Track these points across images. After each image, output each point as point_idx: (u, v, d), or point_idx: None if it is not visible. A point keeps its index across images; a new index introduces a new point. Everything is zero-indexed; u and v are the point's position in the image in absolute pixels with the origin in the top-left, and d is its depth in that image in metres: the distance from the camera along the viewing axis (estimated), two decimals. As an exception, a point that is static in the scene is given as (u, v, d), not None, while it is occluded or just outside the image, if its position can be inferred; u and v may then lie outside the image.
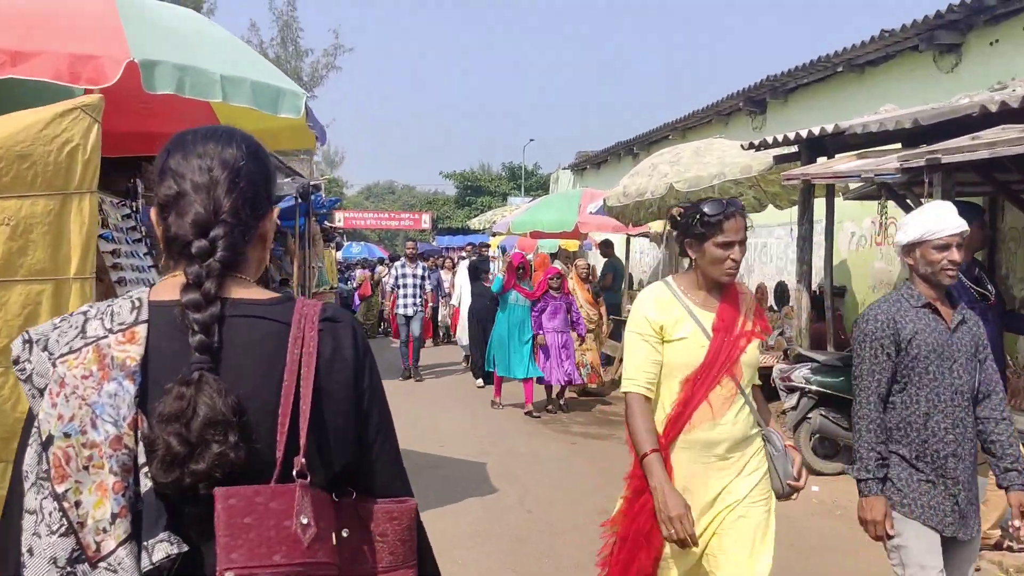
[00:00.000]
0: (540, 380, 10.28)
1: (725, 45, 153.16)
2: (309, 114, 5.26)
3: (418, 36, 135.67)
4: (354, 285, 22.01)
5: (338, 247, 21.80)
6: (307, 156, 49.57)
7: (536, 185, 45.94)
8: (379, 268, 21.43)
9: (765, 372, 9.41)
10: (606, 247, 14.37)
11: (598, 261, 16.99)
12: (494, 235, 20.28)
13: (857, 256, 10.31)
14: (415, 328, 13.30)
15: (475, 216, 46.86)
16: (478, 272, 12.98)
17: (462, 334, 13.97)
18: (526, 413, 10.14)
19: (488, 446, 8.51)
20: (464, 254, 18.50)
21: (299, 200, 11.20)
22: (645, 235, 13.42)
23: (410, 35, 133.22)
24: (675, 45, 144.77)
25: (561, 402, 10.53)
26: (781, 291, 11.23)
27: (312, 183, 11.93)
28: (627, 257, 14.04)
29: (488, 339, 11.38)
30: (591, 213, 11.44)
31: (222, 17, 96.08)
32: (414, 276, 13.43)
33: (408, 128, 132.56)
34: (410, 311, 13.35)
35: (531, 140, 54.14)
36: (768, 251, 12.26)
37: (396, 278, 13.48)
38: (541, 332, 10.11)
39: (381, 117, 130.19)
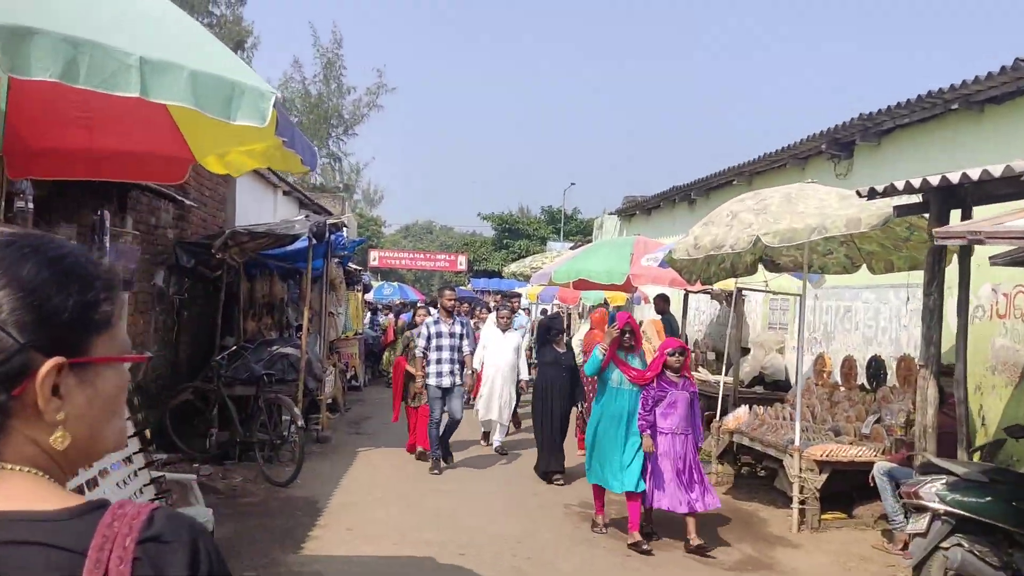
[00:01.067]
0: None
1: (799, 80, 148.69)
2: (282, 125, 3.62)
3: (461, 76, 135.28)
4: (380, 331, 20.43)
5: (366, 289, 20.21)
6: (346, 194, 48.66)
7: (575, 230, 44.35)
8: (402, 318, 19.76)
9: (864, 468, 7.62)
10: (663, 302, 12.62)
11: (645, 315, 15.24)
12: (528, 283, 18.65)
13: (972, 331, 8.46)
14: (455, 407, 9.81)
15: (512, 260, 45.67)
16: (550, 333, 10.06)
17: (486, 403, 11.15)
18: (631, 545, 7.03)
19: (523, 561, 6.72)
20: (493, 303, 16.75)
21: (313, 240, 9.59)
22: (706, 291, 11.67)
23: (453, 75, 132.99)
24: (738, 81, 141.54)
25: (693, 542, 7.03)
26: (876, 367, 9.40)
27: (330, 222, 10.36)
28: (684, 315, 12.26)
29: (552, 424, 9.54)
30: (652, 264, 9.71)
31: (265, 52, 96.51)
32: (451, 336, 9.96)
33: (448, 168, 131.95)
34: (446, 381, 9.82)
35: (572, 184, 52.51)
36: (852, 317, 10.44)
37: (429, 338, 9.88)
38: (648, 432, 7.10)
39: (421, 156, 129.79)
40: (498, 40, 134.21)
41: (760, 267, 9.19)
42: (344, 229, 11.10)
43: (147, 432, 5.57)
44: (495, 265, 44.09)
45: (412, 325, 11.25)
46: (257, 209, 13.67)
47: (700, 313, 14.24)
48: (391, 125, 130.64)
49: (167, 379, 10.36)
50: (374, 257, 43.97)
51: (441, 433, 9.90)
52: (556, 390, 9.65)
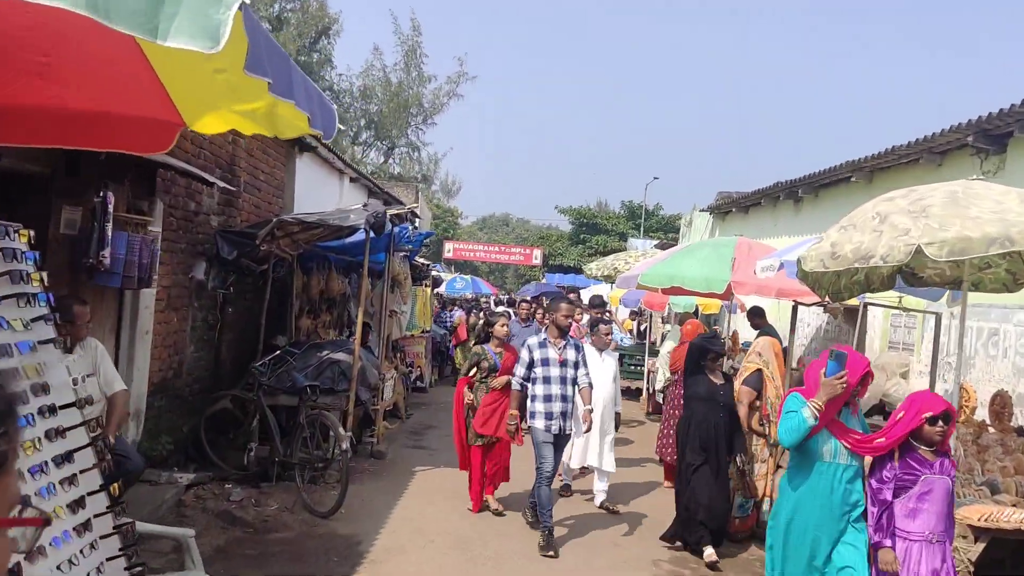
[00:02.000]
0: None
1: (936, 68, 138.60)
2: (262, 56, 2.26)
3: (543, 66, 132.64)
4: (449, 328, 19.14)
5: (435, 283, 18.95)
6: (423, 184, 47.62)
7: (656, 226, 42.55)
8: (471, 314, 18.39)
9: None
10: (756, 317, 10.98)
11: (741, 329, 13.62)
12: (611, 285, 17.10)
13: None
14: (573, 460, 8.14)
15: (589, 255, 44.07)
16: (706, 357, 7.42)
17: (582, 446, 8.66)
18: None
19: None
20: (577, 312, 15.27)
21: (370, 233, 8.28)
22: (821, 305, 9.99)
23: (535, 64, 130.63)
24: (852, 67, 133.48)
25: None
26: (1040, 408, 7.67)
27: (392, 212, 9.05)
28: (792, 329, 10.61)
29: (706, 482, 7.03)
30: (770, 275, 8.10)
31: (347, 40, 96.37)
32: (563, 365, 7.30)
33: (527, 159, 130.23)
34: (555, 426, 7.24)
35: (655, 178, 50.53)
36: (1000, 342, 8.69)
37: (531, 364, 7.30)
38: (887, 543, 4.59)
39: (500, 147, 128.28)
40: (581, 29, 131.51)
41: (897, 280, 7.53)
42: (415, 220, 9.74)
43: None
44: (571, 260, 42.60)
45: (483, 336, 8.67)
46: (319, 196, 12.47)
47: (804, 325, 12.54)
48: (470, 115, 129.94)
49: (207, 383, 9.21)
50: (448, 249, 42.91)
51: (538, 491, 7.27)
52: (712, 435, 7.16)
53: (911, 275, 7.57)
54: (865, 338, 10.49)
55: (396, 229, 10.36)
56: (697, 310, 13.18)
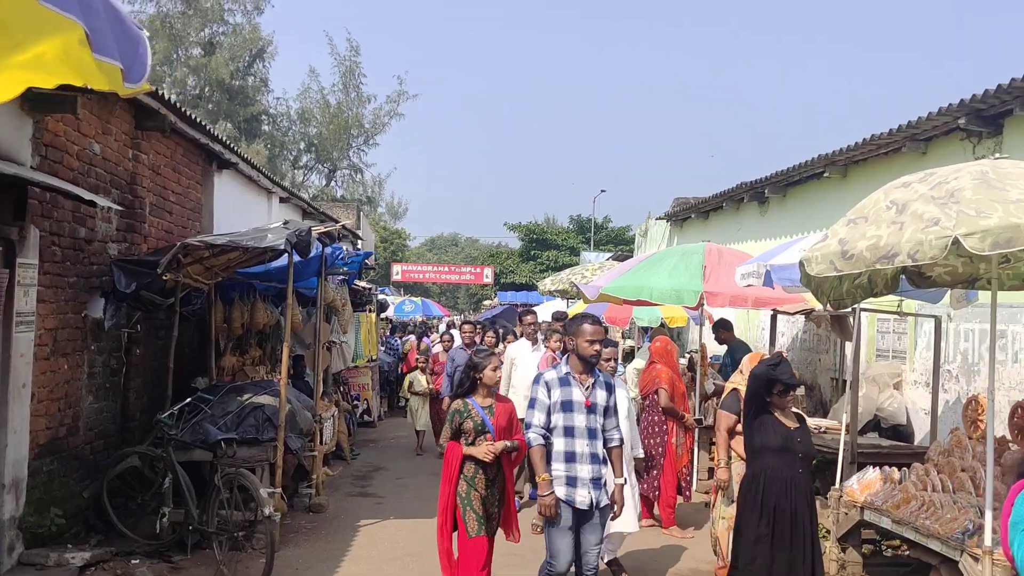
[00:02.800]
0: None
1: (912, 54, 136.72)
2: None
3: (484, 82, 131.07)
4: (397, 356, 17.88)
5: (382, 308, 17.69)
6: (368, 207, 46.20)
7: (606, 239, 41.72)
8: (433, 340, 17.04)
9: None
10: (724, 330, 9.98)
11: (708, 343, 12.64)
12: (567, 301, 16.02)
13: None
14: (591, 547, 5.28)
15: (541, 271, 43.05)
16: (772, 390, 5.51)
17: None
18: None
19: None
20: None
21: (293, 254, 7.08)
22: (805, 313, 8.99)
23: (476, 80, 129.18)
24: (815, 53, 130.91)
25: None
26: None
27: (319, 231, 7.84)
28: (771, 342, 9.59)
29: (786, 558, 5.28)
30: (754, 283, 7.03)
31: (282, 62, 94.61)
32: (591, 411, 5.30)
33: (473, 178, 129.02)
34: (583, 496, 5.19)
35: (602, 191, 49.68)
36: (1009, 345, 7.76)
37: (550, 409, 5.27)
38: None
39: (445, 166, 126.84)
40: (521, 42, 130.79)
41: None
42: (357, 242, 8.52)
43: None
44: (523, 278, 41.54)
45: (467, 385, 5.70)
46: (245, 219, 11.17)
47: (783, 336, 11.57)
48: (413, 135, 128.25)
49: (112, 438, 7.87)
50: (397, 271, 41.60)
51: None
52: (788, 496, 5.38)
53: (917, 275, 6.57)
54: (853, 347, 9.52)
55: (328, 250, 9.15)
56: (663, 323, 12.14)
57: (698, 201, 14.18)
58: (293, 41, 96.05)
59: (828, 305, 6.04)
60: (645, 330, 12.62)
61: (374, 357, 15.58)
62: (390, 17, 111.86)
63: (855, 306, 7.44)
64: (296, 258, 8.31)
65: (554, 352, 8.78)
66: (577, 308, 12.39)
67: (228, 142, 10.28)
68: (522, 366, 8.96)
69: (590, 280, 13.96)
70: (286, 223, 7.30)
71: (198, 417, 7.30)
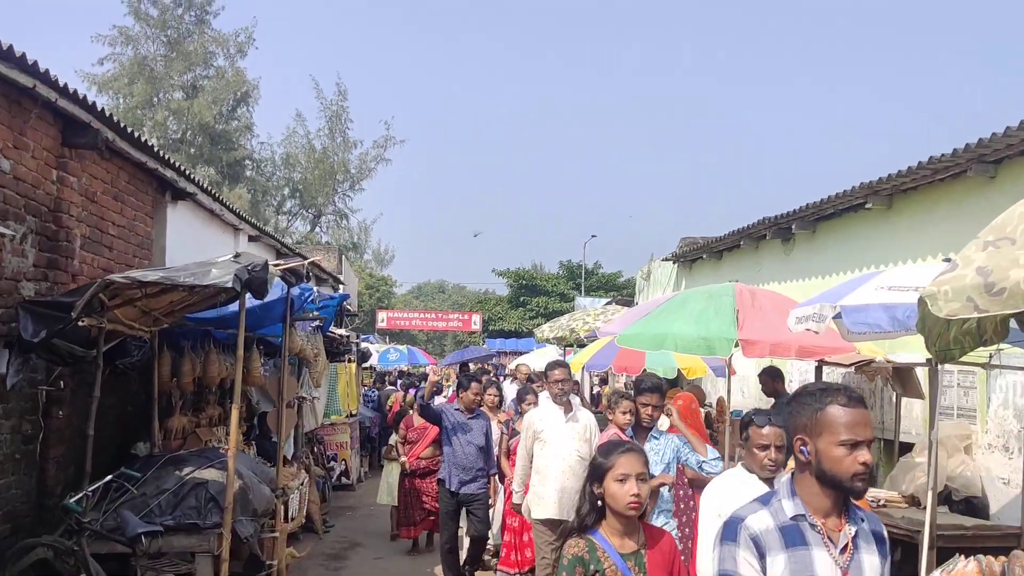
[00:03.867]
0: None
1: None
2: None
3: (471, 128, 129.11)
4: (373, 409, 16.32)
5: (363, 358, 16.17)
6: (354, 254, 44.81)
7: (596, 285, 40.40)
8: (410, 392, 15.54)
9: None
10: (775, 380, 8.54)
11: (741, 393, 11.20)
12: (563, 348, 14.57)
13: None
14: None
15: (530, 318, 41.59)
16: None
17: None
18: None
19: None
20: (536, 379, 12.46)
21: (242, 294, 5.63)
22: (863, 365, 7.53)
23: (463, 126, 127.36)
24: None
25: None
26: None
27: (282, 267, 6.41)
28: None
29: None
30: (803, 326, 5.62)
31: (267, 106, 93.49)
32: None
33: (460, 224, 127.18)
34: None
35: (593, 236, 48.12)
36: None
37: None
38: None
39: (432, 213, 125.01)
40: (508, 89, 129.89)
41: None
42: (337, 286, 7.05)
43: None
44: (512, 324, 40.14)
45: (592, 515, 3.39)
46: (204, 258, 9.68)
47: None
48: (400, 179, 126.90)
49: (24, 521, 6.31)
50: (382, 318, 40.13)
51: None
52: None
53: (1029, 319, 5.16)
54: (929, 405, 8.11)
55: (295, 291, 7.70)
56: (679, 375, 10.71)
57: (709, 240, 12.84)
58: (279, 85, 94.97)
59: (935, 356, 4.62)
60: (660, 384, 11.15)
61: (354, 412, 14.04)
62: (377, 61, 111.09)
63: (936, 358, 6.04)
64: (254, 301, 6.87)
65: (622, 429, 6.17)
66: (582, 356, 10.94)
67: (183, 168, 8.86)
68: (553, 442, 6.65)
69: (593, 326, 12.54)
70: (237, 255, 5.86)
71: (124, 499, 5.77)
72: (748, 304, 7.67)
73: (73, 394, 6.80)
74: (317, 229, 46.16)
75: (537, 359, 25.61)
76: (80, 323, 5.54)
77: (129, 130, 7.28)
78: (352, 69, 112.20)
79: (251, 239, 12.13)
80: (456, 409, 8.18)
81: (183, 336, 7.95)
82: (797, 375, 9.99)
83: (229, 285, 5.44)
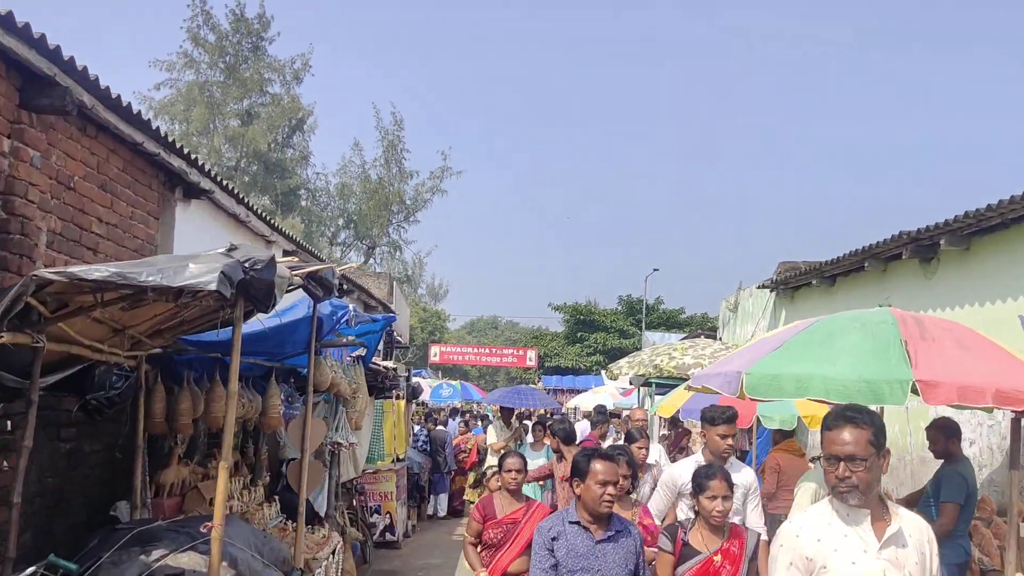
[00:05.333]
0: None
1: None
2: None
3: (527, 160, 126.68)
4: (451, 447, 14.51)
5: (413, 394, 14.34)
6: (409, 289, 43.33)
7: (657, 322, 38.13)
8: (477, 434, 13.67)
9: None
10: (948, 436, 6.44)
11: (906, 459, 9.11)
12: (636, 388, 12.57)
13: None
14: None
15: (588, 355, 39.43)
16: None
17: None
18: None
19: None
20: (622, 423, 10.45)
21: (234, 301, 3.80)
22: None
23: (520, 157, 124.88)
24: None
25: None
26: None
27: (298, 270, 4.60)
28: (1014, 461, 6.03)
29: None
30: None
31: (324, 134, 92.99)
32: None
33: (515, 258, 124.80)
34: None
35: (655, 270, 45.64)
36: None
37: None
38: None
39: (487, 245, 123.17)
40: (569, 123, 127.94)
41: None
42: (337, 292, 5.19)
43: None
44: (569, 361, 38.05)
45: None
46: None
47: (992, 451, 7.93)
48: (456, 211, 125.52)
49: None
50: (435, 352, 38.41)
51: None
52: None
53: None
54: None
55: (324, 309, 5.91)
56: (799, 424, 8.62)
57: (819, 264, 10.76)
58: (335, 113, 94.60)
59: None
60: (771, 434, 9.02)
61: (401, 456, 12.16)
62: (435, 91, 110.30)
63: None
64: (269, 319, 5.10)
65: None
66: (675, 399, 8.92)
67: (197, 158, 7.16)
68: None
69: (680, 362, 10.54)
70: (232, 248, 4.07)
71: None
72: (916, 335, 5.63)
73: (40, 437, 5.02)
74: (371, 261, 44.81)
75: (592, 398, 23.59)
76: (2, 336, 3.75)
77: (115, 95, 5.58)
78: (409, 97, 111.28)
79: (286, 252, 10.40)
80: (573, 523, 4.36)
81: (184, 365, 6.18)
82: (978, 430, 7.89)
83: (212, 288, 3.61)
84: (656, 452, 7.93)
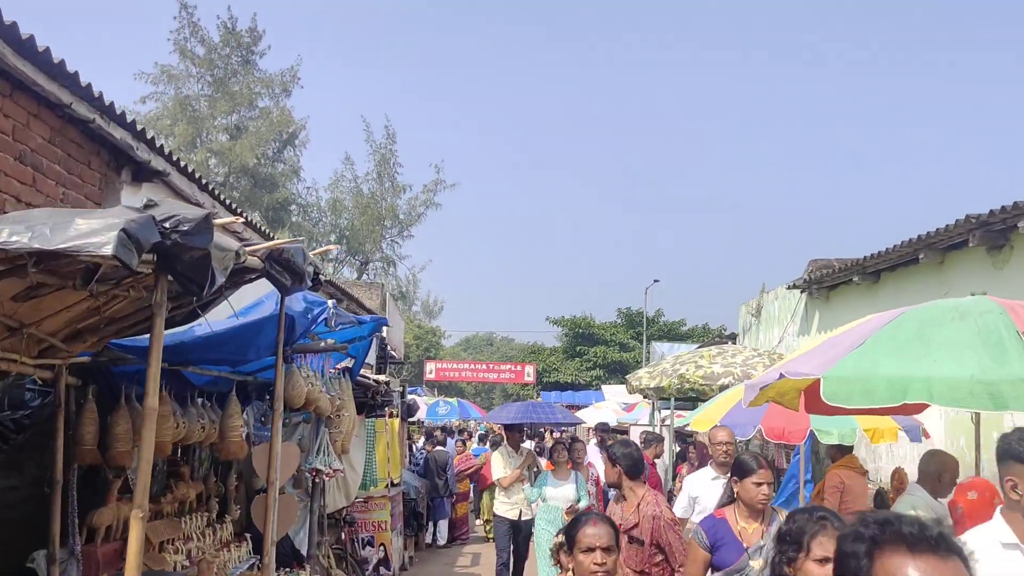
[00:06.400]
0: None
1: None
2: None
3: (526, 170, 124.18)
4: (452, 469, 13.26)
5: (408, 412, 13.09)
6: (404, 307, 42.06)
7: (657, 334, 36.91)
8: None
9: None
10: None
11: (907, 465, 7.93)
12: (652, 401, 11.36)
13: None
14: None
15: (587, 369, 38.16)
16: None
17: None
18: None
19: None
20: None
21: (159, 274, 2.53)
22: None
23: (517, 170, 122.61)
24: None
25: None
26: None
27: (258, 246, 3.38)
28: None
29: None
30: None
31: (315, 148, 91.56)
32: None
33: (510, 273, 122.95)
34: None
35: (655, 281, 44.07)
36: None
37: None
38: None
39: (482, 259, 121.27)
40: (563, 134, 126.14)
41: None
42: (310, 280, 3.94)
43: None
44: (568, 376, 36.83)
45: None
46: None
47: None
48: (450, 225, 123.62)
49: None
50: (430, 369, 37.16)
51: None
52: None
53: None
54: None
55: (296, 303, 4.70)
56: (859, 439, 7.42)
57: (861, 260, 9.56)
58: (325, 126, 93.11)
59: None
60: (832, 449, 7.80)
61: (396, 481, 10.89)
62: (427, 102, 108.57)
63: None
64: (208, 325, 3.93)
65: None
66: (714, 411, 7.70)
67: (145, 130, 5.96)
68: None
69: (709, 371, 9.35)
70: (150, 204, 2.87)
71: None
72: (1025, 320, 4.47)
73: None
74: (364, 276, 43.55)
75: (594, 414, 22.34)
76: None
77: (29, 37, 4.37)
78: (401, 109, 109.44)
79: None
80: None
81: (126, 378, 4.94)
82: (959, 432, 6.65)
83: (107, 253, 2.40)
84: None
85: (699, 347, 15.59)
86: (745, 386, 5.62)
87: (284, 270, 3.90)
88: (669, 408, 12.18)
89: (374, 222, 41.90)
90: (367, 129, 43.16)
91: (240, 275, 3.82)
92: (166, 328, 4.36)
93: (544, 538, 8.14)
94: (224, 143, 35.81)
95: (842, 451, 7.28)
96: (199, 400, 5.29)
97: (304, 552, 6.71)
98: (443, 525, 13.18)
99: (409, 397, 14.61)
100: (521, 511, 9.38)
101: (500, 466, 9.68)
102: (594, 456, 10.49)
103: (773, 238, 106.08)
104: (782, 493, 9.32)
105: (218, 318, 4.71)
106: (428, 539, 13.00)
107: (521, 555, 9.57)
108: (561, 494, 8.41)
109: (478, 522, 14.99)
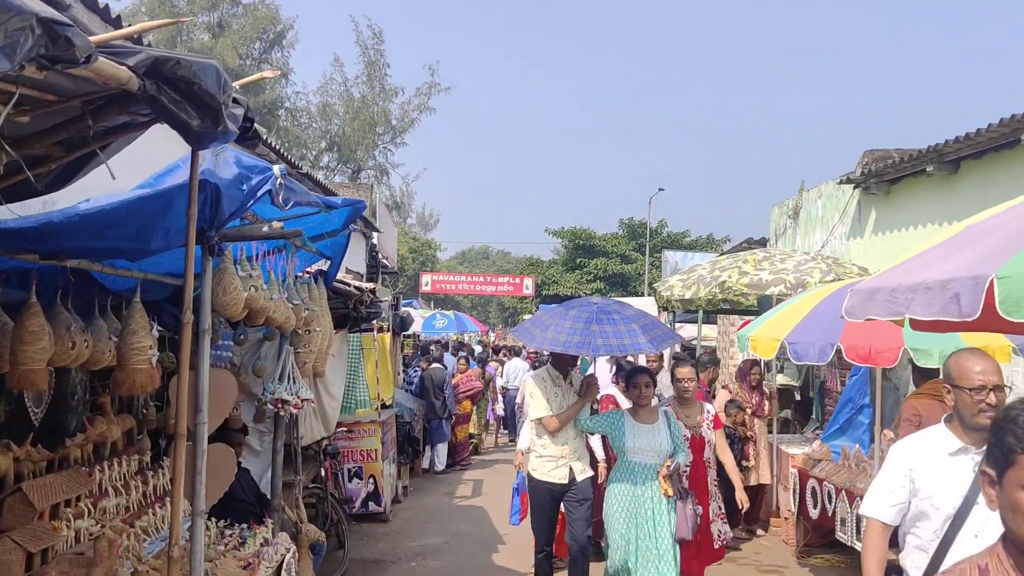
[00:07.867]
0: None
1: None
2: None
3: (525, 74, 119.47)
4: (450, 388, 11.93)
5: (402, 326, 11.63)
6: (398, 218, 40.39)
7: (660, 245, 35.32)
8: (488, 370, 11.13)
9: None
10: None
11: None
12: (686, 311, 9.84)
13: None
14: None
15: (588, 281, 36.62)
16: None
17: None
18: None
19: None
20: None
21: None
22: None
23: (515, 73, 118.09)
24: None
25: None
26: None
27: (176, 69, 1.78)
28: None
29: None
30: None
31: (304, 51, 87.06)
32: None
33: (507, 182, 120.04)
34: None
35: (660, 190, 41.63)
36: None
37: None
38: None
39: (478, 169, 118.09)
40: (568, 32, 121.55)
41: None
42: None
43: None
44: (568, 289, 35.34)
45: None
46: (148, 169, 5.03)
47: None
48: (443, 133, 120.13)
49: None
50: (426, 281, 35.66)
51: None
52: None
53: None
54: None
55: (229, 171, 3.13)
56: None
57: (941, 145, 7.92)
58: (314, 27, 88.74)
59: None
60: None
61: (388, 403, 9.50)
62: (425, 5, 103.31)
63: None
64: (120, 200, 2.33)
65: None
66: (774, 328, 6.19)
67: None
68: None
69: (756, 278, 7.85)
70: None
71: None
72: None
73: None
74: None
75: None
76: None
77: None
78: (395, 8, 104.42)
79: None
80: None
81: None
82: None
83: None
84: None
85: (729, 251, 14.07)
86: (852, 298, 4.05)
87: (184, 98, 2.31)
88: (693, 321, 10.76)
89: (366, 128, 39.84)
90: (356, 29, 40.57)
91: (110, 108, 2.29)
92: (16, 199, 2.88)
93: (620, 515, 5.47)
94: (206, 42, 33.52)
95: (924, 376, 5.83)
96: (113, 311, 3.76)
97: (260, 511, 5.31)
98: (441, 449, 11.89)
99: (403, 309, 13.14)
100: (572, 468, 5.86)
101: (541, 399, 5.90)
102: (602, 372, 8.12)
103: (807, 133, 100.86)
104: (836, 419, 7.97)
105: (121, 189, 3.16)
106: (425, 464, 11.72)
107: (580, 542, 5.85)
108: (648, 444, 5.51)
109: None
